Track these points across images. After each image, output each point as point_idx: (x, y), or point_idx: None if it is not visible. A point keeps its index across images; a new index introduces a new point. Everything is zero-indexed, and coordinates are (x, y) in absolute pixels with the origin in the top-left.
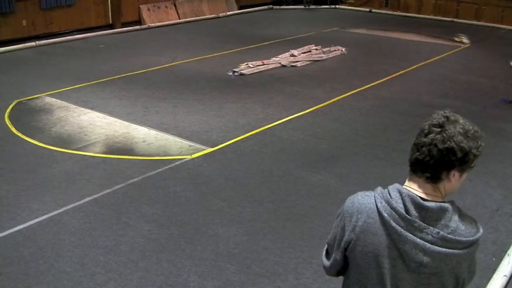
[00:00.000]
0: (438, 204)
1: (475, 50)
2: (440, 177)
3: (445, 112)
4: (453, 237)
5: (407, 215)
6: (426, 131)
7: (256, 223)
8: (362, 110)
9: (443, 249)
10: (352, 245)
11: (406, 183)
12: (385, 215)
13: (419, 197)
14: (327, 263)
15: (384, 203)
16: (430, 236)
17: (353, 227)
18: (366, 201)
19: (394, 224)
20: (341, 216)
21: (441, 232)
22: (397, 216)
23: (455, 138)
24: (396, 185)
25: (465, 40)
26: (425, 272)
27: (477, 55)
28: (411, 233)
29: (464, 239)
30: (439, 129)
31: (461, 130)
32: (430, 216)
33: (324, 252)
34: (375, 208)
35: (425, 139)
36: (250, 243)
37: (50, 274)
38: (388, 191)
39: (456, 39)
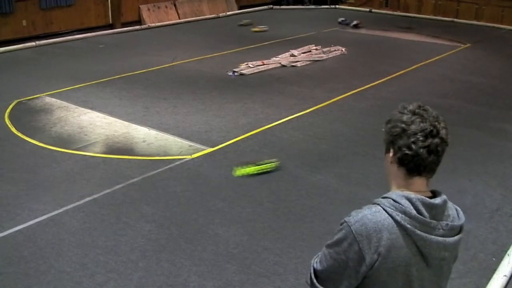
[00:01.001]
0: (441, 199)
1: (475, 50)
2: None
3: (418, 106)
4: (455, 223)
5: (424, 219)
6: (433, 130)
7: (256, 223)
8: (362, 110)
9: (455, 238)
10: (376, 265)
11: (402, 188)
12: (408, 226)
13: (425, 197)
14: None
15: (401, 214)
16: (442, 230)
17: (375, 248)
18: (379, 218)
19: (418, 232)
20: (351, 241)
21: (449, 223)
22: (417, 223)
23: (447, 124)
24: (398, 193)
25: (264, 28)
26: (442, 264)
27: (477, 55)
28: (431, 234)
29: (460, 222)
30: (440, 124)
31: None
32: (438, 212)
33: (314, 280)
34: (393, 223)
35: (436, 140)
36: (250, 243)
37: (50, 274)
38: (394, 200)
39: (255, 29)
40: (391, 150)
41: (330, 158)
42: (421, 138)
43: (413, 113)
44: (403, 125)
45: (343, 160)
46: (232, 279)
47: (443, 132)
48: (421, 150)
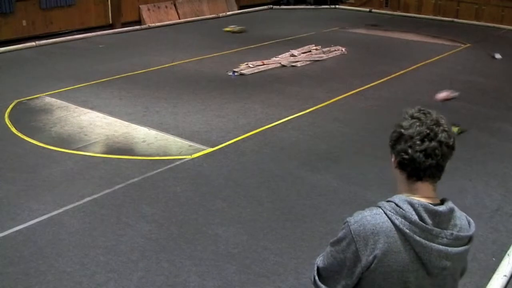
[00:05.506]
0: (447, 206)
1: (475, 50)
2: (441, 175)
3: (418, 109)
4: (463, 234)
5: (425, 225)
6: (430, 134)
7: (256, 223)
8: (362, 110)
9: (460, 248)
10: (372, 268)
11: (407, 192)
12: (407, 231)
13: (430, 203)
14: None
15: (400, 219)
16: (445, 239)
17: (371, 250)
18: (379, 220)
19: (418, 238)
20: (349, 241)
21: (454, 233)
22: (417, 229)
23: (449, 128)
24: (401, 197)
25: (237, 28)
26: (444, 274)
27: (477, 55)
28: (433, 242)
29: (469, 233)
30: (440, 127)
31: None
32: (442, 220)
33: (316, 278)
34: (392, 226)
35: (433, 143)
36: (250, 243)
37: (50, 274)
38: (396, 204)
39: (228, 29)
40: (392, 155)
41: (330, 158)
42: (417, 142)
43: (412, 117)
44: (401, 130)
45: (343, 160)
46: (232, 279)
47: (442, 135)
48: (417, 154)
